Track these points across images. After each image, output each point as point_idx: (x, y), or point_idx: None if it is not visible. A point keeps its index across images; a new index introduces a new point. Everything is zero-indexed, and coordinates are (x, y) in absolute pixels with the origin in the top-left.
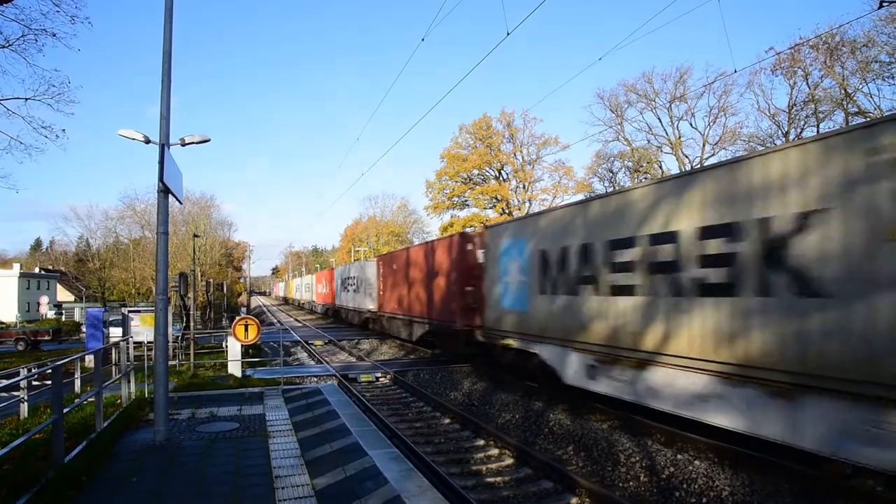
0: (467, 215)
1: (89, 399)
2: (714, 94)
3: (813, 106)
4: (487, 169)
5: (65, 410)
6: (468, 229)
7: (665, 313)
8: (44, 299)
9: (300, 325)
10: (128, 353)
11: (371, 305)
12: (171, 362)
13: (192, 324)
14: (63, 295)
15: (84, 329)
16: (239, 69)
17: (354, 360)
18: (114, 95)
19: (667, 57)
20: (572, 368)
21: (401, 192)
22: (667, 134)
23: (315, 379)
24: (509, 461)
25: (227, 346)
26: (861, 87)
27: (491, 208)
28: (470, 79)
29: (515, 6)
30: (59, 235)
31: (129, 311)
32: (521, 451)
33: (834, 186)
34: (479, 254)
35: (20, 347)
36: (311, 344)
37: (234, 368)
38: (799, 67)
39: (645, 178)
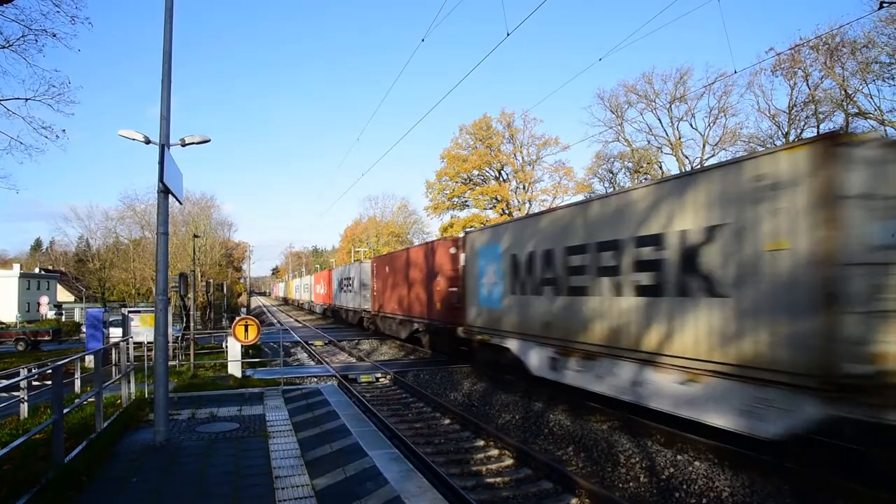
0: (467, 216)
1: (89, 399)
2: (714, 94)
3: (813, 107)
4: (487, 169)
5: (65, 411)
6: (469, 230)
7: (610, 311)
8: (44, 299)
9: (300, 325)
10: (128, 354)
11: (366, 305)
12: (171, 363)
13: (192, 324)
14: (63, 295)
15: (84, 329)
16: (239, 70)
17: (354, 360)
18: (114, 96)
19: (667, 57)
20: (537, 361)
21: (401, 192)
22: (667, 134)
23: (315, 379)
24: (509, 462)
25: (227, 347)
26: (861, 87)
27: (491, 209)
28: (470, 79)
29: (515, 7)
30: (59, 236)
31: (129, 312)
32: (521, 451)
33: (730, 205)
34: (462, 257)
35: (20, 348)
36: (311, 344)
37: (234, 369)
38: (799, 68)
39: (645, 179)
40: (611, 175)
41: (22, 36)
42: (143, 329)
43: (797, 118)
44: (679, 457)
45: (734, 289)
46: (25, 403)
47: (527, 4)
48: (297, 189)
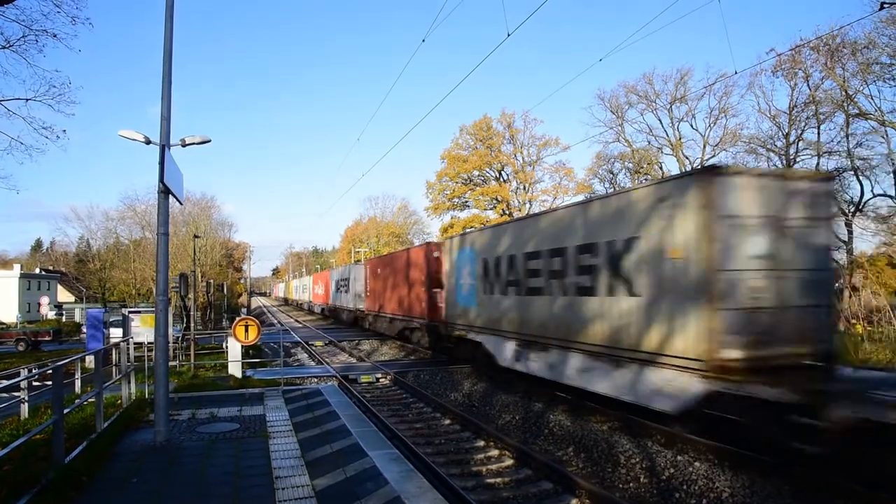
0: (468, 216)
1: (90, 400)
2: (714, 95)
3: (814, 107)
4: (488, 170)
5: (65, 411)
6: (468, 230)
7: (558, 308)
8: (44, 300)
9: (300, 325)
10: (128, 354)
11: (361, 305)
12: (171, 363)
13: (192, 324)
14: (63, 295)
15: (84, 330)
16: (240, 71)
17: (355, 360)
18: (115, 96)
19: (667, 58)
20: (505, 354)
21: (401, 193)
22: (667, 135)
23: (315, 380)
24: (509, 462)
25: (227, 347)
26: (862, 88)
27: (491, 209)
28: (470, 80)
29: (516, 7)
30: (59, 236)
31: (130, 312)
32: (521, 451)
33: (644, 220)
34: (444, 260)
35: (21, 348)
36: (312, 345)
37: (235, 369)
38: (800, 69)
39: (646, 179)
40: (611, 176)
41: (22, 36)
42: (143, 329)
43: (798, 119)
44: (679, 457)
45: (645, 289)
46: (26, 404)
47: (527, 5)
48: (297, 189)
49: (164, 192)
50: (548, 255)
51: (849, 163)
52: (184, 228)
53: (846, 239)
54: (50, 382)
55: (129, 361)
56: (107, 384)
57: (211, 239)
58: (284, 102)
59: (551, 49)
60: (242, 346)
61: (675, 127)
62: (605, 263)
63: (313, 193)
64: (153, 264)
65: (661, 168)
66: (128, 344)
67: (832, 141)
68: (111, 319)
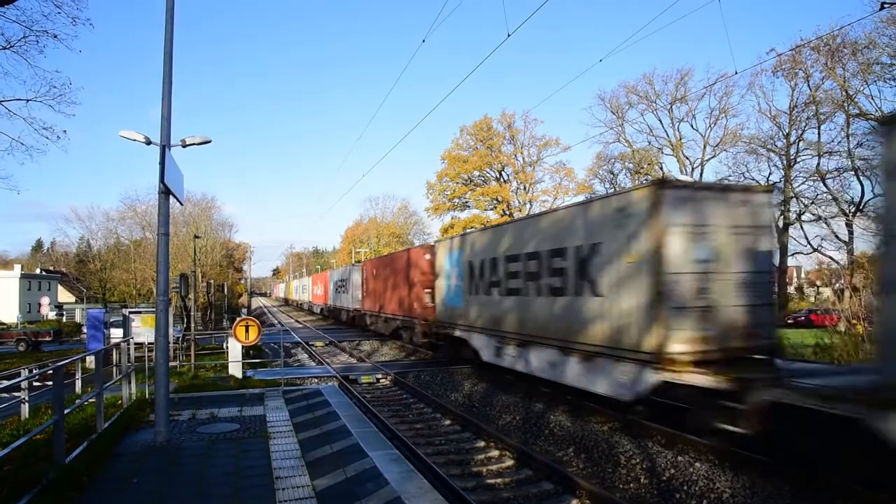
0: (468, 217)
1: (90, 400)
2: (715, 95)
3: (814, 107)
4: (488, 170)
5: (66, 411)
6: (469, 230)
7: (535, 307)
8: (45, 300)
9: (300, 326)
10: (128, 354)
11: (357, 305)
12: (171, 363)
13: (192, 325)
14: (64, 296)
15: (85, 330)
16: (240, 73)
17: (355, 361)
18: (115, 97)
19: (668, 58)
20: (488, 350)
21: (402, 193)
22: (668, 135)
23: (316, 380)
24: (510, 462)
25: (227, 348)
26: (862, 88)
27: (492, 209)
28: (471, 81)
29: (516, 8)
30: (60, 236)
31: (130, 312)
32: (521, 452)
33: (605, 227)
34: (434, 262)
35: (21, 348)
36: (312, 345)
37: (235, 369)
38: (800, 69)
39: (646, 179)
40: (611, 176)
41: (23, 37)
42: (143, 330)
43: (798, 119)
44: (680, 458)
45: (607, 290)
46: (26, 404)
47: (527, 5)
48: (298, 190)
49: (165, 192)
50: (525, 258)
51: (849, 163)
52: (184, 229)
53: (847, 239)
54: (50, 383)
55: (129, 362)
56: (107, 384)
57: (211, 239)
58: (285, 103)
59: (552, 49)
60: (243, 347)
61: (676, 127)
62: (573, 266)
63: (314, 194)
64: (153, 265)
65: (661, 168)
66: (128, 344)
67: (833, 141)
68: (112, 320)
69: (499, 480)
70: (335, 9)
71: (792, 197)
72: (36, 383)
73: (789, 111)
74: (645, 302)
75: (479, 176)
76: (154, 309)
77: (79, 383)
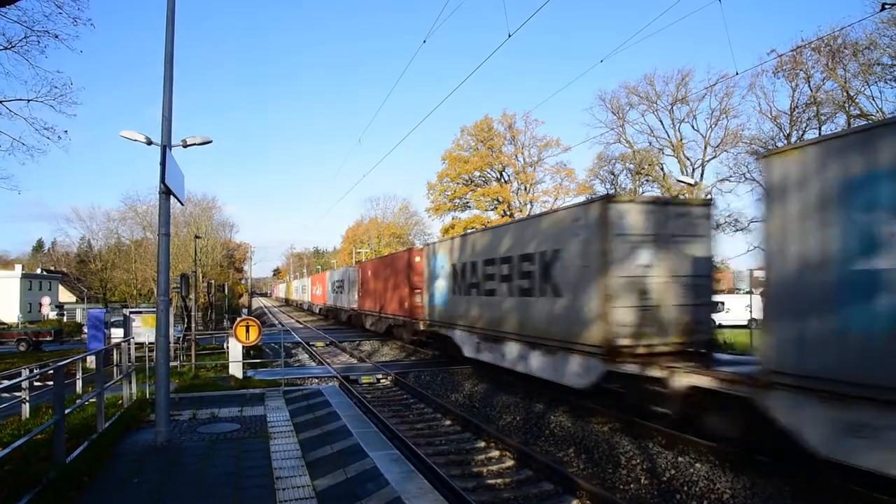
0: (468, 217)
1: (91, 400)
2: (716, 96)
3: (815, 108)
4: (489, 171)
5: (66, 411)
6: (469, 231)
7: (507, 306)
8: (45, 300)
9: (301, 326)
10: (129, 354)
11: (354, 305)
12: (172, 363)
13: (193, 325)
14: (65, 296)
15: (85, 330)
16: (241, 74)
17: (355, 361)
18: (116, 97)
19: (668, 59)
20: (469, 346)
21: (402, 193)
22: (668, 136)
23: (316, 380)
24: (510, 463)
25: (228, 348)
26: (863, 89)
27: (492, 210)
28: (471, 81)
29: (517, 8)
30: (60, 236)
31: (131, 312)
32: (522, 452)
33: (564, 235)
34: (424, 264)
35: (22, 348)
36: (312, 345)
37: (236, 370)
38: (801, 70)
39: (647, 179)
40: (612, 177)
41: (24, 37)
42: (144, 330)
43: (799, 120)
44: (680, 458)
45: (567, 291)
46: (27, 404)
47: (528, 6)
48: (298, 190)
49: (166, 192)
50: (500, 262)
51: None
52: (185, 229)
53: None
54: (51, 382)
55: (130, 362)
56: (108, 384)
57: (212, 239)
58: (286, 103)
59: (552, 50)
60: (243, 347)
61: (677, 128)
62: (539, 270)
63: (314, 194)
64: (154, 265)
65: (661, 169)
66: (129, 344)
67: None
68: (112, 320)
69: (499, 481)
70: (336, 9)
71: None
72: (37, 383)
73: (790, 112)
74: (595, 301)
75: (479, 176)
76: (155, 309)
77: (79, 383)
